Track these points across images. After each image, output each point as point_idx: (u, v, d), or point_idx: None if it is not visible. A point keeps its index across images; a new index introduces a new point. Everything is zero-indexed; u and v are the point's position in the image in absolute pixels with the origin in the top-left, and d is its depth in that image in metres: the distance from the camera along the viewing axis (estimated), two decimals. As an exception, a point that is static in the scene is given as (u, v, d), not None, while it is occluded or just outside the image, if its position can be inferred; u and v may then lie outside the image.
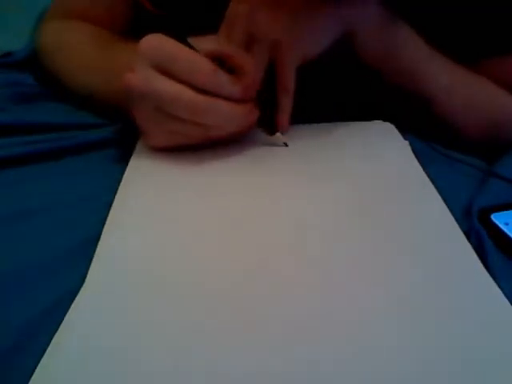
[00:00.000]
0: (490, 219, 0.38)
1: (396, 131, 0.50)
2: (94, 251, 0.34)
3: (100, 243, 0.35)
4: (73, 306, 0.30)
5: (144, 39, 0.41)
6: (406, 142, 0.48)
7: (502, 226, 0.38)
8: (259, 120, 0.46)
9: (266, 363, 0.27)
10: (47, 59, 0.59)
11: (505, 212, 0.39)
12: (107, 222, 0.37)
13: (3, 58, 0.63)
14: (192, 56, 0.41)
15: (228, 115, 0.42)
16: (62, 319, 0.29)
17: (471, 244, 0.36)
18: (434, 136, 0.50)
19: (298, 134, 0.50)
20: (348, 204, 0.40)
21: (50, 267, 0.34)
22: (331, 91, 0.54)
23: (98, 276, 0.32)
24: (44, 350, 0.27)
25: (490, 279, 0.32)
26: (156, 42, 0.41)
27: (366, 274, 0.33)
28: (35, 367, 0.26)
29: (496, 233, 0.37)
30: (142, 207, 0.39)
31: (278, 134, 0.47)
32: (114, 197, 0.40)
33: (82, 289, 0.31)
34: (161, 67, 0.40)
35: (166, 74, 0.40)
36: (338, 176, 0.43)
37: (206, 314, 0.30)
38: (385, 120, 0.52)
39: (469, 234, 0.37)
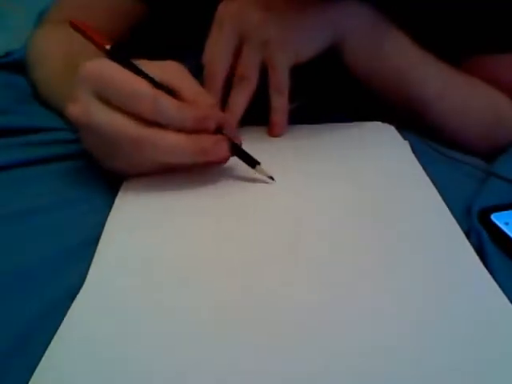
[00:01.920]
0: (490, 219, 0.38)
1: (396, 132, 0.50)
2: (94, 251, 0.34)
3: (100, 243, 0.35)
4: (73, 306, 0.30)
5: (83, 65, 0.38)
6: (406, 142, 0.48)
7: (502, 226, 0.38)
8: (238, 151, 0.41)
9: (266, 363, 0.27)
10: (29, 69, 0.57)
11: (505, 212, 0.39)
12: (107, 223, 0.37)
13: (3, 58, 0.63)
14: (133, 83, 0.37)
15: (173, 148, 0.37)
16: (62, 319, 0.29)
17: (471, 244, 0.35)
18: (434, 136, 0.50)
19: (298, 134, 0.50)
20: (348, 204, 0.40)
21: (50, 267, 0.34)
22: (331, 92, 0.54)
23: (98, 276, 0.32)
24: (44, 351, 0.27)
25: (491, 279, 0.32)
26: (96, 69, 0.37)
27: (365, 273, 0.33)
28: (35, 368, 0.26)
29: (496, 233, 0.37)
30: (140, 212, 0.39)
31: (261, 167, 0.41)
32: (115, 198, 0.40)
33: (82, 289, 0.31)
34: (102, 96, 0.37)
35: (108, 103, 0.37)
36: (337, 176, 0.43)
37: (205, 314, 0.30)
38: (384, 121, 0.52)
39: (469, 234, 0.37)
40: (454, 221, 0.37)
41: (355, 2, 0.49)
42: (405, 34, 0.50)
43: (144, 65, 0.38)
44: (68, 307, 0.30)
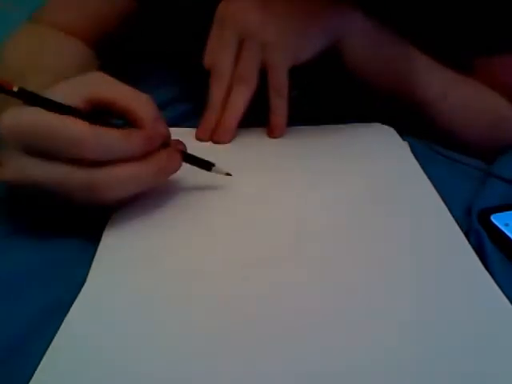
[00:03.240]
0: (489, 220, 0.38)
1: (395, 133, 0.51)
2: (95, 252, 0.34)
3: (100, 244, 0.35)
4: (73, 307, 0.30)
5: (0, 121, 0.32)
6: (406, 143, 0.48)
7: (501, 227, 0.38)
8: (189, 158, 0.39)
9: (266, 363, 0.27)
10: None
11: (505, 213, 0.39)
12: (107, 225, 0.37)
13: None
14: (64, 127, 0.32)
15: (133, 180, 0.34)
16: (62, 320, 0.29)
17: (471, 244, 0.36)
18: (434, 137, 0.50)
19: (297, 135, 0.50)
20: (347, 205, 0.40)
21: (50, 268, 0.34)
22: (330, 93, 0.54)
23: (98, 277, 0.32)
24: (44, 352, 0.27)
25: (490, 279, 0.32)
26: (15, 123, 0.32)
27: (365, 274, 0.33)
28: (35, 368, 0.26)
29: (496, 234, 0.37)
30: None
31: (216, 167, 0.40)
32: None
33: (82, 290, 0.31)
34: (32, 149, 0.32)
35: (41, 155, 0.32)
36: (337, 177, 0.43)
37: (206, 313, 0.30)
38: (384, 122, 0.52)
39: (468, 234, 0.37)
40: (453, 221, 0.37)
41: (355, 5, 0.49)
42: (404, 38, 0.50)
43: (65, 87, 0.35)
44: (68, 308, 0.30)
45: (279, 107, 0.49)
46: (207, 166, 0.40)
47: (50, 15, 0.56)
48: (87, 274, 0.33)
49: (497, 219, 0.38)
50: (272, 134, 0.50)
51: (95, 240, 0.36)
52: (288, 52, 0.47)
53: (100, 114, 0.35)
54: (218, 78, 0.48)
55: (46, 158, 0.32)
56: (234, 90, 0.47)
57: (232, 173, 0.41)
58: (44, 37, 0.54)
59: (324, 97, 0.54)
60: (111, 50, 0.57)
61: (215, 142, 0.48)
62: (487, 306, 0.31)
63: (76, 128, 0.32)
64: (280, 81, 0.48)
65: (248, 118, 0.49)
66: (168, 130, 0.38)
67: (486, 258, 0.35)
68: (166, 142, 0.37)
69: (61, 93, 0.34)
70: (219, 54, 0.47)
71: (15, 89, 0.33)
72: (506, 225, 0.38)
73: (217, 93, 0.48)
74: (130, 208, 0.37)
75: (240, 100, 0.47)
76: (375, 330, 0.29)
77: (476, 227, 0.38)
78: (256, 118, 0.49)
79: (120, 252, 0.35)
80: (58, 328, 0.29)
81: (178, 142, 0.39)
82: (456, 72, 0.52)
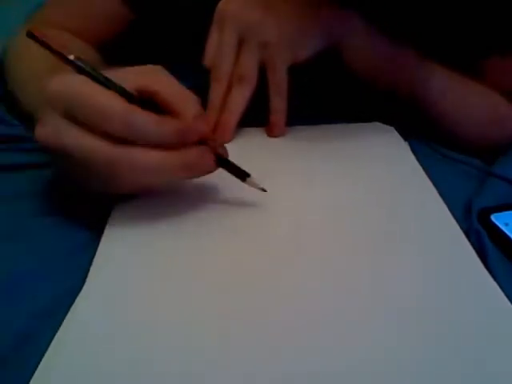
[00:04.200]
0: (489, 220, 0.39)
1: (396, 132, 0.51)
2: (95, 251, 0.34)
3: (101, 243, 0.35)
4: (73, 306, 0.30)
5: (49, 83, 0.34)
6: (406, 143, 0.48)
7: (501, 227, 0.38)
8: (225, 163, 0.38)
9: (265, 363, 0.27)
10: (6, 69, 0.54)
11: (505, 212, 0.39)
12: (110, 218, 0.37)
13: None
14: (102, 99, 0.33)
15: (154, 168, 0.34)
16: (63, 320, 0.29)
17: (471, 244, 0.36)
18: (434, 137, 0.50)
19: (297, 135, 0.50)
20: (348, 205, 0.40)
21: (51, 267, 0.34)
22: (331, 93, 0.54)
23: (98, 276, 0.32)
24: (44, 351, 0.27)
25: (491, 279, 0.32)
26: (62, 87, 0.34)
27: (366, 274, 0.33)
28: (35, 368, 0.26)
29: (496, 233, 0.37)
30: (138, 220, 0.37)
31: (251, 179, 0.38)
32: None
33: (83, 289, 0.31)
34: (71, 116, 0.33)
35: (78, 122, 0.33)
36: (337, 177, 0.43)
37: (206, 313, 0.30)
38: (384, 122, 0.52)
39: (468, 234, 0.37)
40: (453, 221, 0.37)
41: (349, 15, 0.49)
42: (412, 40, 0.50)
43: (118, 72, 0.35)
44: (68, 308, 0.30)
45: (279, 106, 0.49)
46: (242, 175, 0.38)
47: (53, 17, 0.56)
48: (88, 272, 0.33)
49: (497, 219, 0.39)
50: (272, 132, 0.50)
51: (97, 236, 0.36)
52: (287, 51, 0.47)
53: (148, 103, 0.35)
54: (217, 78, 0.48)
55: (82, 126, 0.33)
56: (234, 89, 0.47)
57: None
58: (58, 39, 0.53)
59: (324, 97, 0.54)
60: (110, 52, 0.57)
61: (215, 142, 0.48)
62: (487, 305, 0.31)
63: (111, 102, 0.33)
64: (279, 80, 0.48)
65: (248, 118, 0.49)
66: (209, 131, 0.37)
67: (486, 258, 0.35)
68: (205, 141, 0.36)
69: (116, 74, 0.35)
70: (219, 53, 0.47)
71: (71, 57, 0.35)
72: (506, 224, 0.38)
73: (216, 92, 0.48)
74: (135, 201, 0.38)
75: (239, 99, 0.47)
76: (375, 330, 0.29)
77: (476, 227, 0.38)
78: (256, 117, 0.49)
79: (121, 248, 0.35)
80: (59, 327, 0.29)
81: (220, 145, 0.38)
82: (456, 72, 0.52)
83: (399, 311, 0.30)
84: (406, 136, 0.50)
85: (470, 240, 0.36)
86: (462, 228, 0.37)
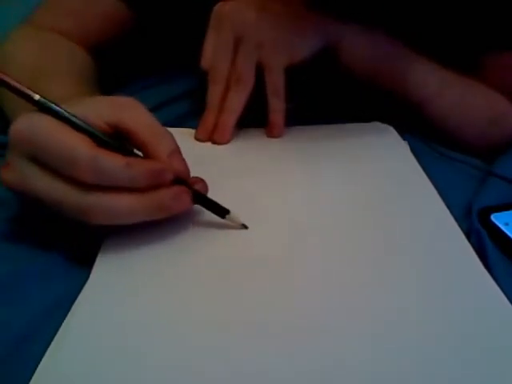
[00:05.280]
0: (489, 219, 0.38)
1: (395, 132, 0.51)
2: (95, 254, 0.34)
3: (103, 245, 0.35)
4: (73, 307, 0.30)
5: (13, 125, 0.32)
6: (405, 143, 0.48)
7: (501, 227, 0.38)
8: (202, 200, 0.36)
9: (266, 363, 0.27)
10: None
11: (505, 212, 0.39)
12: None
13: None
14: (68, 142, 0.31)
15: (127, 211, 0.32)
16: (63, 320, 0.29)
17: (471, 244, 0.35)
18: (434, 136, 0.50)
19: (297, 135, 0.50)
20: (348, 205, 0.40)
21: (51, 268, 0.34)
22: (330, 93, 0.54)
23: (98, 277, 0.32)
24: (44, 351, 0.27)
25: (491, 279, 0.32)
26: (26, 129, 0.32)
27: (365, 273, 0.33)
28: (35, 368, 0.26)
29: (496, 233, 0.37)
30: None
31: (231, 215, 0.36)
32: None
33: (83, 290, 0.31)
34: (37, 159, 0.32)
35: (45, 167, 0.31)
36: (337, 177, 0.43)
37: (206, 313, 0.30)
38: (383, 122, 0.52)
39: (469, 234, 0.37)
40: (453, 221, 0.37)
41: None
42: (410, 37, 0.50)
43: (89, 105, 0.34)
44: (68, 308, 0.30)
45: (277, 106, 0.49)
46: (221, 212, 0.37)
47: (45, 17, 0.55)
48: (89, 274, 0.33)
49: (497, 218, 0.38)
50: (271, 133, 0.50)
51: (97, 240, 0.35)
52: (284, 52, 0.47)
53: (120, 140, 0.34)
54: (215, 79, 0.48)
55: (49, 171, 0.31)
56: (231, 90, 0.47)
57: (231, 172, 0.40)
58: (47, 43, 0.53)
59: (323, 97, 0.54)
60: (109, 53, 0.57)
61: (214, 143, 0.48)
62: (488, 305, 0.31)
63: (78, 147, 0.31)
64: (276, 80, 0.48)
65: (247, 119, 0.49)
66: (186, 168, 0.35)
67: (486, 258, 0.35)
68: (182, 179, 0.35)
69: (84, 108, 0.33)
70: (216, 54, 0.48)
71: (36, 97, 0.32)
72: (506, 224, 0.38)
73: (214, 93, 0.48)
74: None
75: (237, 100, 0.47)
76: (375, 330, 0.29)
77: (476, 226, 0.38)
78: (255, 118, 0.49)
79: (121, 253, 0.34)
80: (58, 328, 0.29)
81: (199, 180, 0.37)
82: (453, 70, 0.52)
83: (399, 311, 0.30)
84: (405, 136, 0.50)
85: (469, 240, 0.36)
86: (461, 228, 0.37)
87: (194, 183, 0.36)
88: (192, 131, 0.49)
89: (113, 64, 0.57)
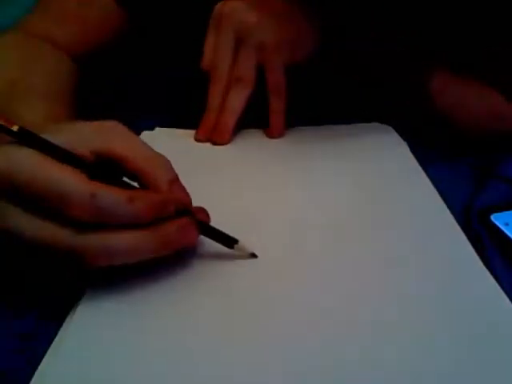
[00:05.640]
0: (489, 219, 0.38)
1: (395, 133, 0.51)
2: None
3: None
4: (74, 308, 0.30)
5: None
6: (405, 143, 0.48)
7: (501, 227, 0.38)
8: (208, 231, 0.34)
9: (266, 363, 0.27)
10: None
11: (505, 212, 0.39)
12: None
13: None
14: (60, 180, 0.27)
15: (130, 250, 0.29)
16: (62, 322, 0.29)
17: (471, 244, 0.35)
18: (434, 136, 0.50)
19: (296, 136, 0.50)
20: (348, 205, 0.40)
21: (51, 268, 0.34)
22: (329, 93, 0.54)
23: (99, 279, 0.32)
24: (44, 353, 0.27)
25: (492, 278, 0.32)
26: (4, 166, 0.28)
27: (365, 273, 0.33)
28: (35, 370, 0.26)
29: (496, 233, 0.37)
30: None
31: (239, 245, 0.34)
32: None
33: (84, 292, 0.31)
34: (19, 200, 0.28)
35: (28, 207, 0.28)
36: (337, 177, 0.43)
37: (206, 312, 0.30)
38: (383, 122, 0.52)
39: (469, 234, 0.37)
40: (454, 221, 0.37)
41: None
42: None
43: (73, 133, 0.31)
44: (68, 310, 0.30)
45: (277, 107, 0.49)
46: (229, 242, 0.34)
47: (38, 24, 0.53)
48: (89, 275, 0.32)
49: (497, 219, 0.38)
50: (271, 133, 0.50)
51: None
52: (285, 52, 0.47)
53: (109, 169, 0.31)
54: (215, 79, 0.48)
55: (33, 210, 0.28)
56: (232, 90, 0.47)
57: (232, 173, 0.40)
58: (32, 54, 0.49)
59: (323, 97, 0.54)
60: (109, 53, 0.56)
61: (214, 143, 0.48)
62: (488, 305, 0.31)
63: (70, 182, 0.27)
64: (278, 81, 0.48)
65: (247, 119, 0.49)
66: (187, 196, 0.33)
67: (486, 258, 0.35)
68: (185, 209, 0.32)
69: (68, 137, 0.30)
70: (217, 54, 0.47)
71: (15, 128, 0.29)
72: (506, 224, 0.38)
73: (215, 94, 0.48)
74: None
75: (237, 100, 0.47)
76: (375, 330, 0.29)
77: (476, 226, 0.38)
78: (255, 118, 0.49)
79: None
80: (58, 329, 0.29)
81: (201, 210, 0.34)
82: (454, 71, 0.52)
83: (399, 311, 0.30)
84: (405, 136, 0.50)
85: (470, 239, 0.36)
86: (461, 228, 0.37)
87: (196, 213, 0.33)
88: (192, 132, 0.49)
89: (113, 64, 0.57)
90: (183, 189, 0.33)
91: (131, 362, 0.27)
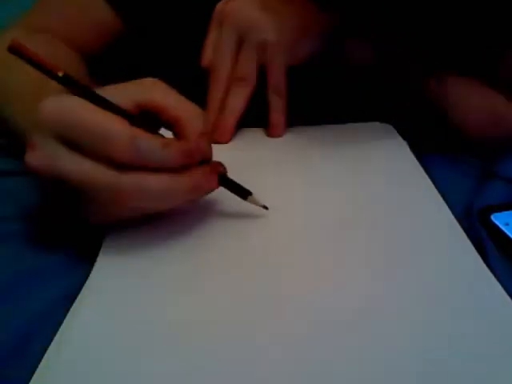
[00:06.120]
0: (489, 219, 0.38)
1: (395, 132, 0.51)
2: (96, 253, 0.34)
3: (104, 244, 0.35)
4: (73, 307, 0.30)
5: (42, 105, 0.31)
6: (405, 143, 0.48)
7: (501, 227, 0.38)
8: (226, 182, 0.37)
9: (266, 363, 0.27)
10: None
11: (505, 212, 0.39)
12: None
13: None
14: (104, 122, 0.31)
15: (164, 193, 0.32)
16: (62, 321, 0.29)
17: (471, 244, 0.35)
18: (434, 136, 0.50)
19: (297, 135, 0.50)
20: (347, 204, 0.40)
21: (51, 268, 0.34)
22: (329, 93, 0.54)
23: (98, 277, 0.32)
24: (44, 352, 0.27)
25: (493, 278, 0.32)
26: (57, 109, 0.31)
27: (365, 273, 0.33)
28: (35, 369, 0.26)
29: (496, 233, 0.37)
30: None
31: (253, 197, 0.37)
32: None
33: (83, 290, 0.31)
34: (68, 140, 0.31)
35: (75, 148, 0.31)
36: (337, 177, 0.43)
37: (206, 312, 0.30)
38: (383, 121, 0.52)
39: (469, 233, 0.37)
40: (454, 220, 0.37)
41: None
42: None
43: (115, 87, 0.34)
44: (68, 309, 0.30)
45: (278, 106, 0.49)
46: (243, 193, 0.37)
47: (40, 22, 0.53)
48: (90, 273, 0.32)
49: (497, 218, 0.39)
50: (271, 133, 0.50)
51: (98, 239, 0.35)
52: (286, 51, 0.47)
53: (148, 120, 0.33)
54: (216, 79, 0.48)
55: (79, 151, 0.31)
56: (233, 89, 0.47)
57: (232, 173, 0.40)
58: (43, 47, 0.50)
59: (323, 97, 0.54)
60: (109, 53, 0.56)
61: (214, 142, 0.48)
62: (489, 305, 0.31)
63: (113, 126, 0.30)
64: (278, 80, 0.48)
65: (248, 119, 0.49)
66: (211, 149, 0.35)
67: (486, 258, 0.35)
68: (206, 160, 0.35)
69: (112, 91, 0.33)
70: (218, 53, 0.47)
71: (60, 74, 0.32)
72: (506, 224, 0.38)
73: (215, 93, 0.48)
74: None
75: (238, 100, 0.47)
76: (375, 330, 0.29)
77: (476, 226, 0.38)
78: (256, 118, 0.49)
79: (123, 252, 0.34)
80: (59, 327, 0.29)
81: (219, 163, 0.37)
82: (455, 72, 0.52)
83: (399, 311, 0.30)
84: (405, 135, 0.50)
85: (470, 239, 0.36)
86: (462, 228, 0.37)
87: (215, 166, 0.36)
88: None
89: (112, 64, 0.57)
90: (209, 143, 0.35)
91: (131, 362, 0.27)
